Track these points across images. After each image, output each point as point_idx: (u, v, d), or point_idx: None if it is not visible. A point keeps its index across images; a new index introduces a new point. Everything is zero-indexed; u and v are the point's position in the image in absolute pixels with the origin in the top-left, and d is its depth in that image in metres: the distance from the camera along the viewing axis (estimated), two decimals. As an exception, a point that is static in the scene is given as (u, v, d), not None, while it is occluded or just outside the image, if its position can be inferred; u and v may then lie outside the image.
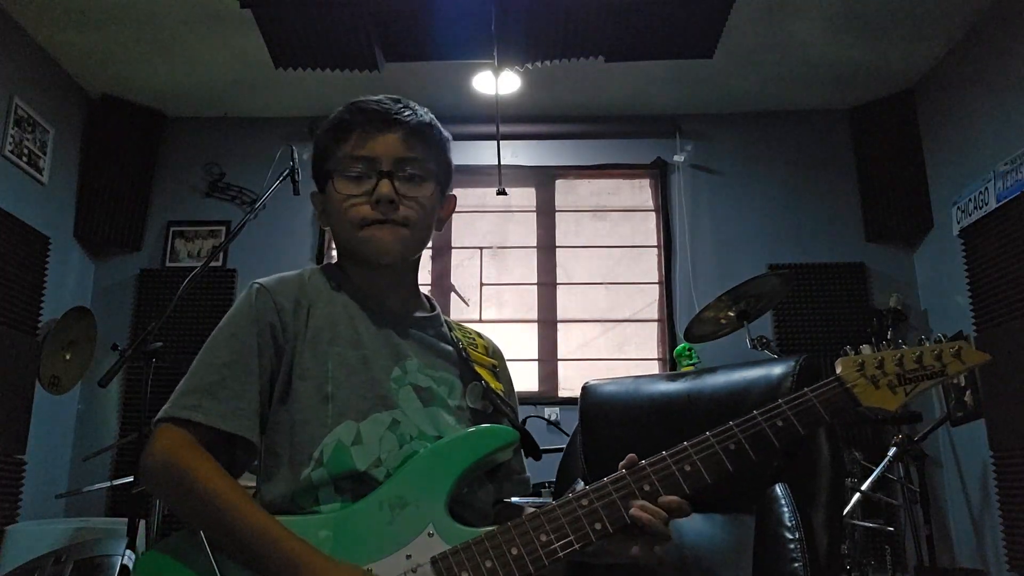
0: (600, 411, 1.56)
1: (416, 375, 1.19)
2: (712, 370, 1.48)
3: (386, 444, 1.11)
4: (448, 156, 1.28)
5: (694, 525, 1.39)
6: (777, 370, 1.36)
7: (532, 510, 1.07)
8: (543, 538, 1.01)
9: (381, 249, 1.20)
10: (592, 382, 1.63)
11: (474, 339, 1.35)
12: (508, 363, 1.38)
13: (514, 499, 1.33)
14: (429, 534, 1.03)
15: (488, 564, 1.00)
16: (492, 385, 1.25)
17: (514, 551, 1.00)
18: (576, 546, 1.01)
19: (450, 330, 1.31)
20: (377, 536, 1.03)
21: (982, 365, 1.12)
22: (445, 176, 1.28)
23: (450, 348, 1.27)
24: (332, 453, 1.08)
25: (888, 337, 3.83)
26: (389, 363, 1.17)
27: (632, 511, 1.02)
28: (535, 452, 1.27)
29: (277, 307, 1.16)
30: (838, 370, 1.12)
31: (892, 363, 1.10)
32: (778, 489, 1.27)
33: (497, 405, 1.24)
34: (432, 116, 1.26)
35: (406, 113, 1.22)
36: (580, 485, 1.08)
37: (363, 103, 1.23)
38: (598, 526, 1.02)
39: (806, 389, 1.09)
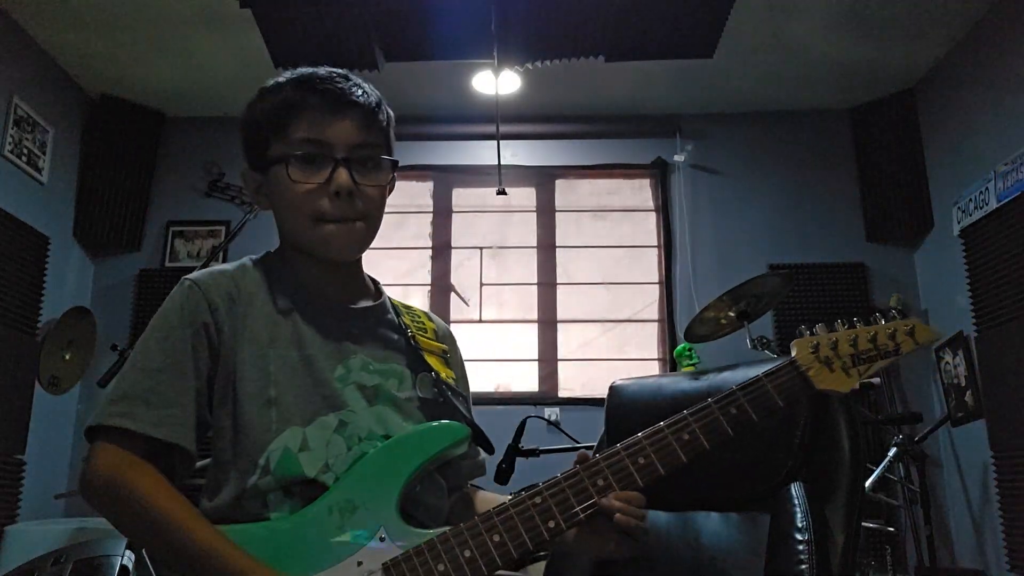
0: (624, 411, 1.56)
1: (360, 373, 1.14)
2: (733, 367, 1.47)
3: (333, 448, 1.07)
4: (393, 137, 1.23)
5: (710, 524, 1.38)
6: None
7: (498, 501, 1.05)
8: (496, 538, 0.99)
9: (340, 251, 1.16)
10: (619, 382, 1.62)
11: (423, 323, 1.30)
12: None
13: (481, 490, 1.31)
14: (380, 539, 1.01)
15: (441, 568, 0.98)
16: (442, 374, 1.22)
17: (467, 553, 0.98)
18: (529, 545, 1.00)
19: (398, 315, 1.26)
20: (327, 543, 1.00)
21: (930, 343, 1.10)
22: (393, 160, 1.22)
23: (397, 336, 1.23)
24: (279, 460, 1.05)
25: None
26: (332, 362, 1.13)
27: (605, 500, 1.01)
28: (486, 445, 1.24)
29: (211, 306, 1.10)
30: (793, 352, 1.11)
31: (846, 343, 1.09)
32: (793, 488, 1.26)
33: (447, 397, 1.19)
34: (378, 94, 1.21)
35: (359, 93, 1.16)
36: None
37: (312, 81, 1.15)
38: (551, 524, 1.01)
39: (760, 374, 1.08)
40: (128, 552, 2.23)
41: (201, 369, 1.09)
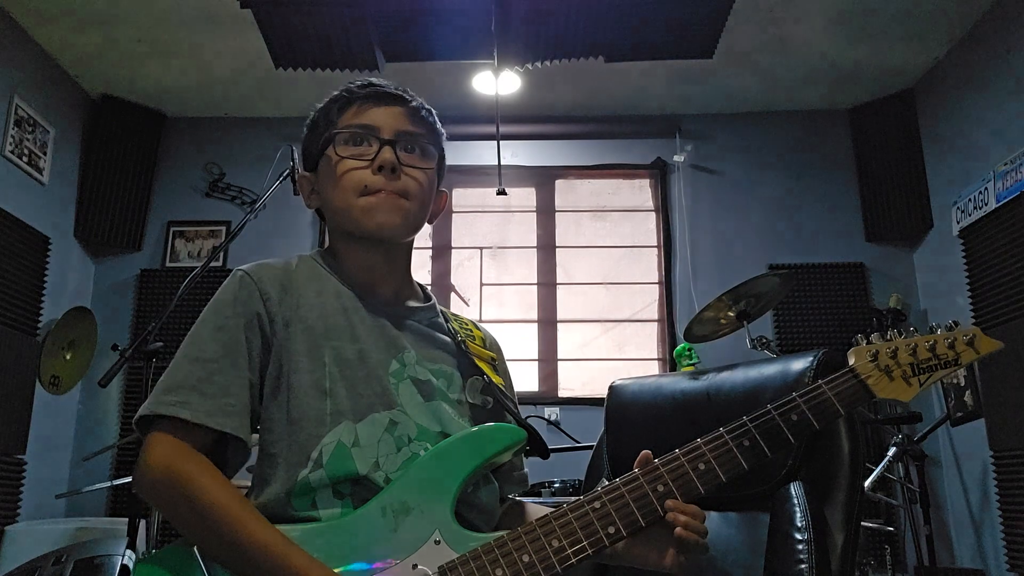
0: (624, 411, 1.54)
1: (415, 368, 1.13)
2: (732, 367, 1.46)
3: (384, 447, 1.05)
4: (443, 149, 1.25)
5: (710, 524, 1.38)
6: (796, 365, 1.32)
7: (545, 512, 1.03)
8: (555, 544, 0.96)
9: (381, 220, 1.14)
10: (618, 382, 1.60)
11: (471, 330, 1.29)
12: (508, 362, 1.35)
13: (527, 500, 1.30)
14: (436, 542, 0.98)
15: (499, 572, 0.95)
16: (493, 379, 1.19)
17: (525, 558, 0.96)
18: (589, 551, 0.97)
19: (446, 321, 1.25)
20: (381, 545, 0.98)
21: (995, 353, 1.08)
22: (440, 166, 1.24)
23: (447, 339, 1.22)
24: (332, 454, 1.02)
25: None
26: (386, 357, 1.11)
27: (671, 514, 0.99)
28: (542, 451, 1.21)
29: (263, 296, 1.09)
30: (851, 361, 1.09)
31: (906, 352, 1.08)
32: (793, 488, 1.25)
33: (499, 400, 1.18)
34: (431, 109, 1.25)
35: (408, 95, 1.21)
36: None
37: (365, 83, 1.22)
38: (611, 530, 0.98)
39: (820, 382, 1.07)
40: (128, 552, 2.23)
41: (254, 360, 1.07)
